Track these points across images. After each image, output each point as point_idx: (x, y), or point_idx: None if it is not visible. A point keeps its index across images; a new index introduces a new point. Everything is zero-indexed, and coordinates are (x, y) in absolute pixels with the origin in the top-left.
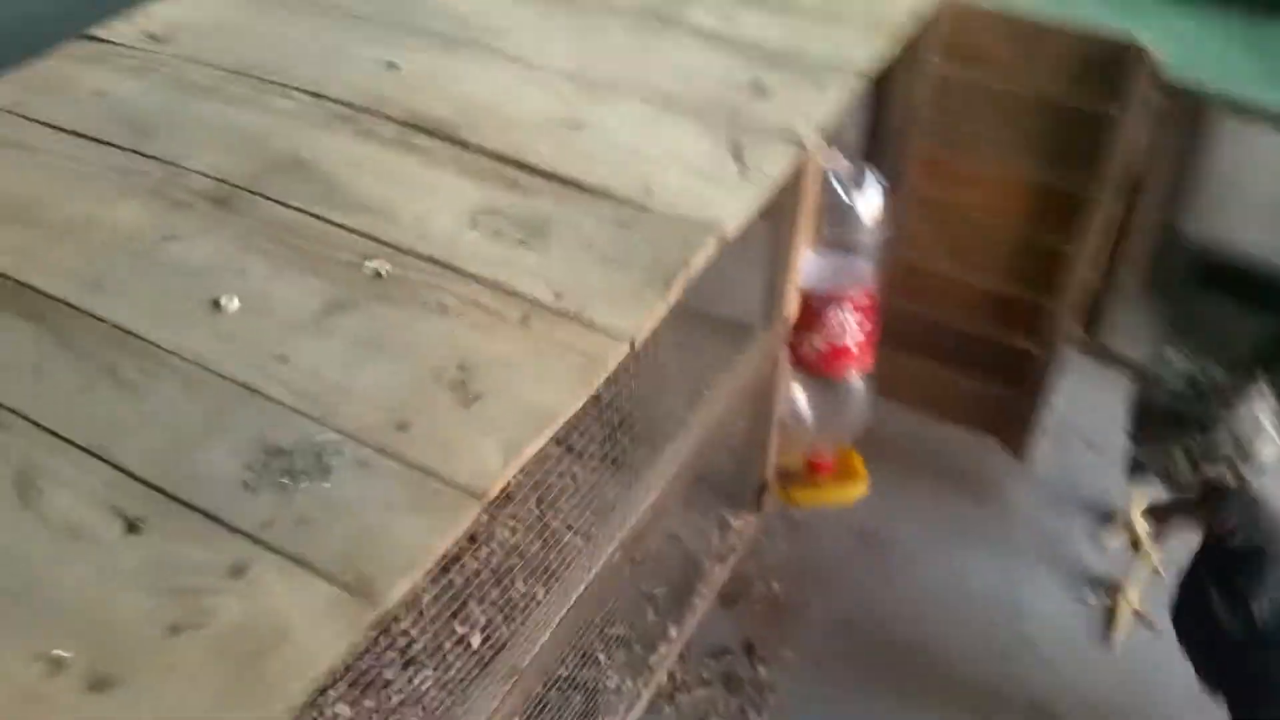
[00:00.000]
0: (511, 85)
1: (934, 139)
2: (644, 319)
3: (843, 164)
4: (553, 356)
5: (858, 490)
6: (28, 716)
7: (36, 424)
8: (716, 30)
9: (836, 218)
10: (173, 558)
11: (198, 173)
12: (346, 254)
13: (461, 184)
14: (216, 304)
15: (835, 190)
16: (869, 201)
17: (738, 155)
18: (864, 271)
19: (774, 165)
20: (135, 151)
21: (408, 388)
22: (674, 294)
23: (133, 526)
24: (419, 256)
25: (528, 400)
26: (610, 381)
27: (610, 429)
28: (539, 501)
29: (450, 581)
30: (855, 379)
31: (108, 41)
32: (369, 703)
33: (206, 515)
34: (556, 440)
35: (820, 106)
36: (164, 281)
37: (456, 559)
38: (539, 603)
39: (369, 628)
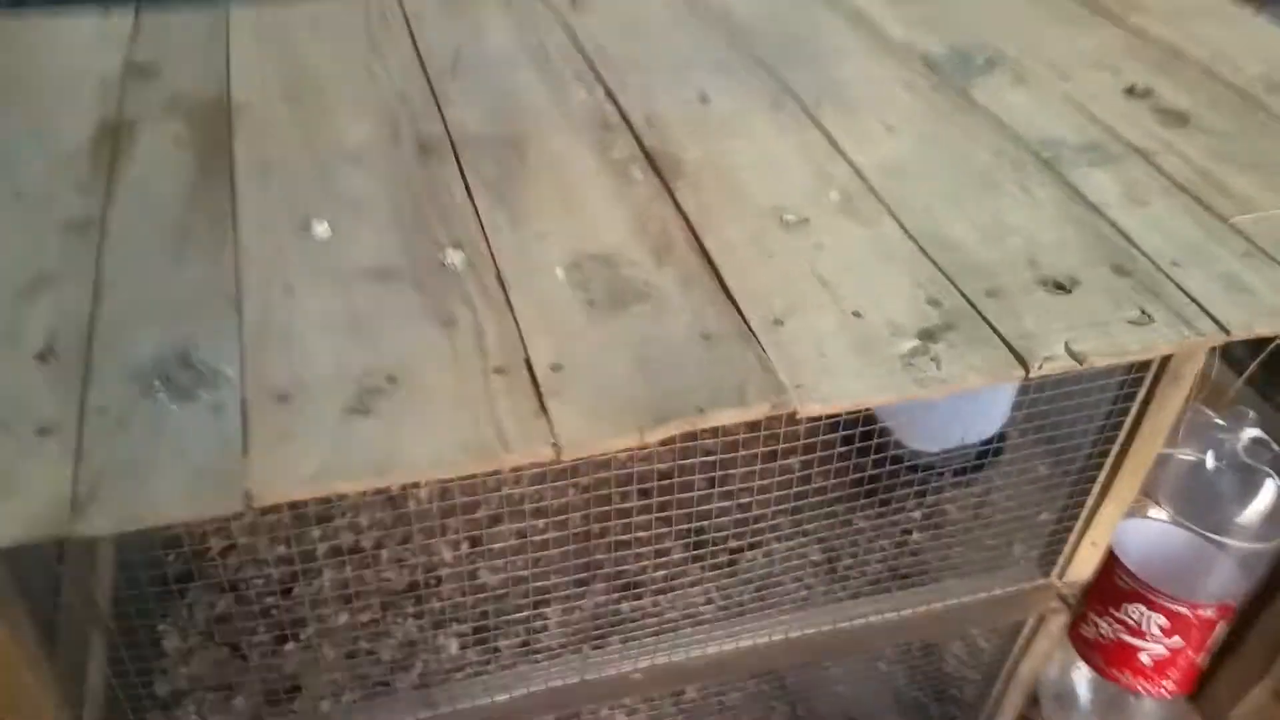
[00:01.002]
0: None
1: None
2: None
3: (1246, 425)
4: None
5: None
6: None
7: None
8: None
9: (1206, 491)
10: None
11: None
12: None
13: None
14: None
15: (1222, 454)
16: (1266, 491)
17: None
18: (1218, 578)
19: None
20: None
21: None
22: None
23: None
24: None
25: None
26: None
27: None
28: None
29: None
30: (1159, 700)
31: None
32: None
33: None
34: None
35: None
36: None
37: None
38: None
39: None
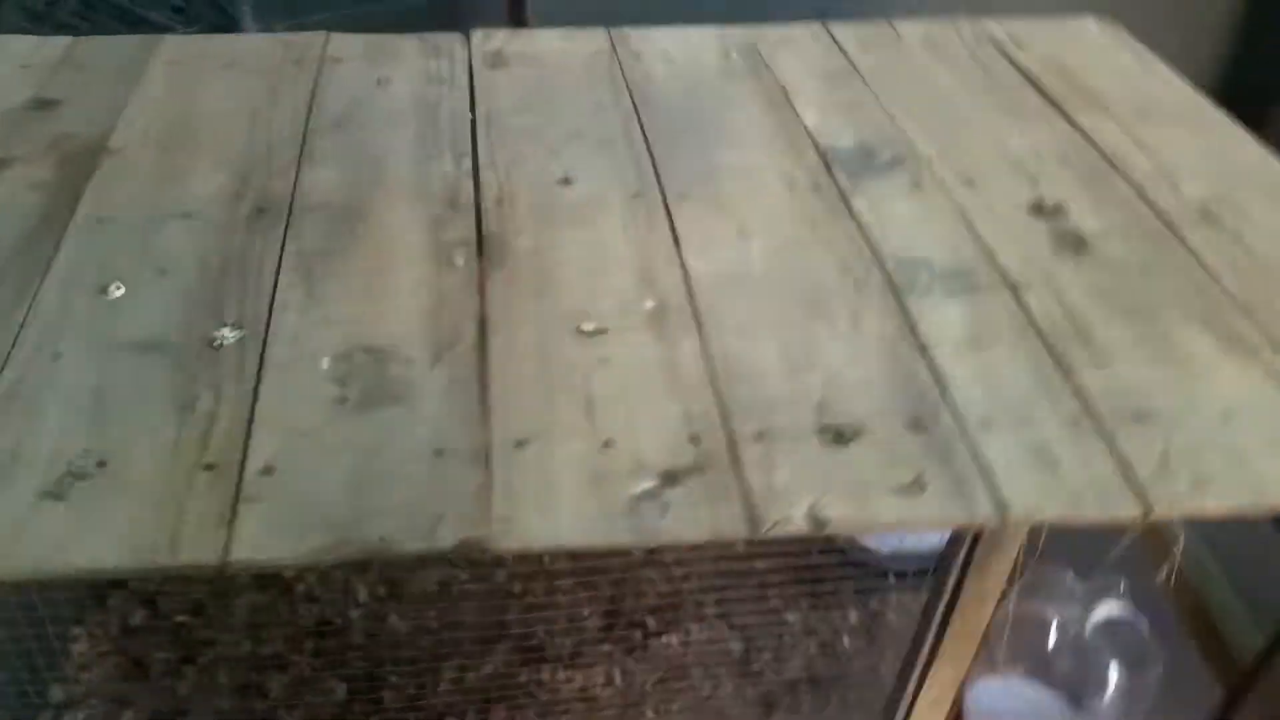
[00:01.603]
0: None
1: None
2: None
3: (1106, 598)
4: None
5: None
6: None
7: None
8: None
9: (1062, 656)
10: None
11: None
12: None
13: None
14: None
15: (1073, 625)
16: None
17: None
18: None
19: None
20: None
21: None
22: None
23: None
24: None
25: None
26: None
27: None
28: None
29: None
30: None
31: None
32: None
33: None
34: None
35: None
36: None
37: None
38: None
39: None
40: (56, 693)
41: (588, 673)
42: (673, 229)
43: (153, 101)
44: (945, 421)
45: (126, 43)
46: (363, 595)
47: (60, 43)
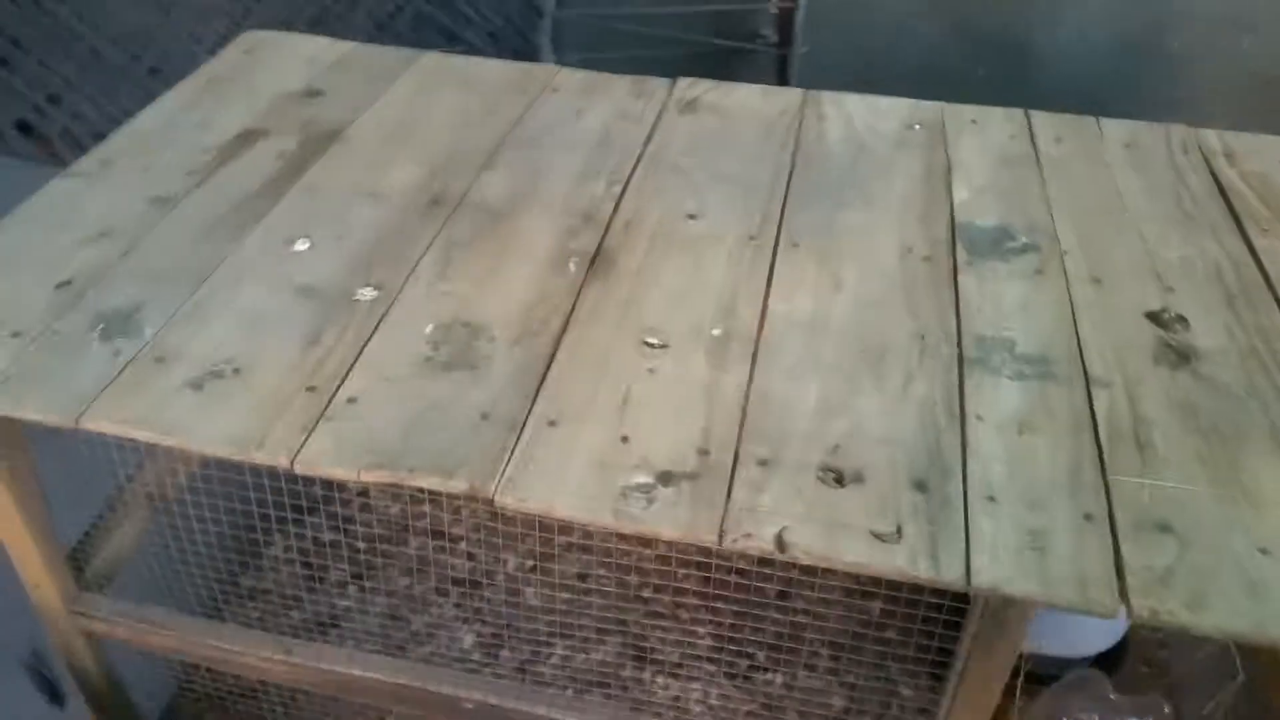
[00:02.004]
0: None
1: None
2: None
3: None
4: None
5: None
6: None
7: None
8: None
9: None
10: None
11: None
12: None
13: None
14: None
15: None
16: None
17: None
18: None
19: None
20: None
21: None
22: None
23: None
24: None
25: None
26: None
27: None
28: None
29: None
30: None
31: None
32: None
33: None
34: None
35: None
36: None
37: None
38: None
39: None
40: (245, 581)
41: (686, 685)
42: (771, 271)
43: (393, 104)
44: (951, 488)
45: (393, 53)
46: (511, 565)
47: (345, 46)
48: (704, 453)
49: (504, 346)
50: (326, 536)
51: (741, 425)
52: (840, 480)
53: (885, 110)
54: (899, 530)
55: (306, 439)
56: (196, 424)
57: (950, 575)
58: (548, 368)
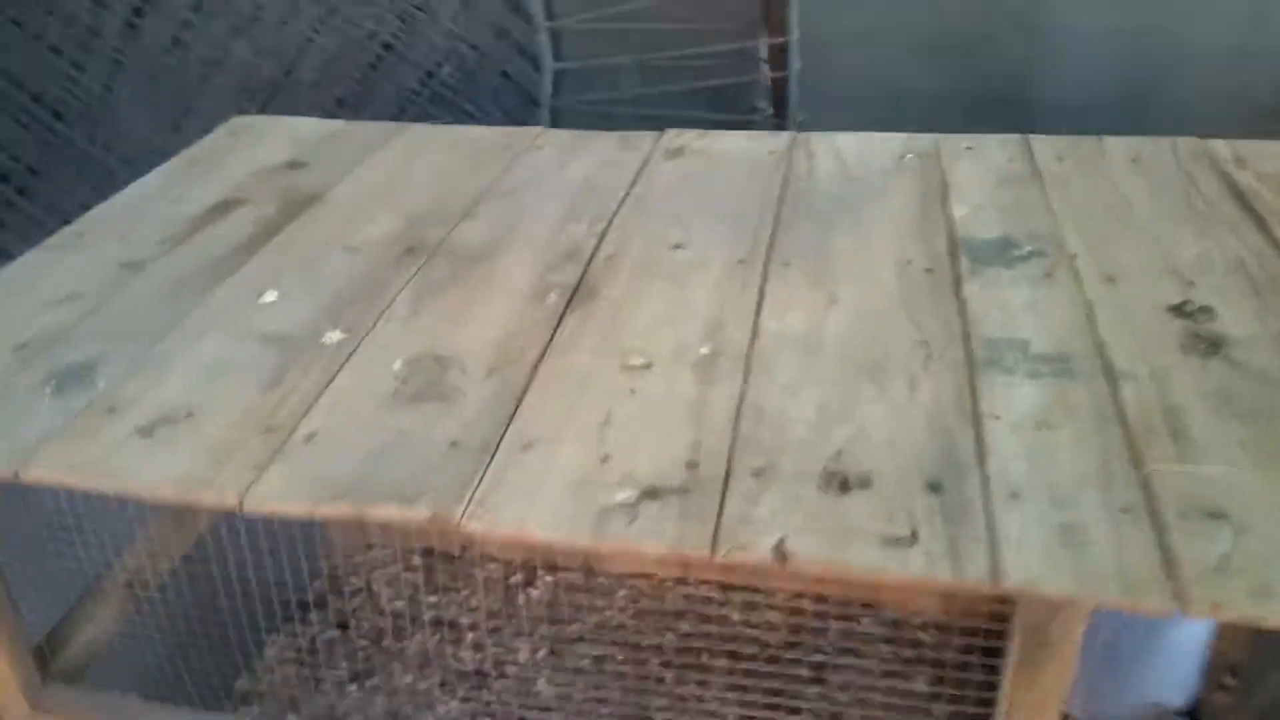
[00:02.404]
0: None
1: None
2: None
3: None
4: None
5: None
6: None
7: None
8: None
9: None
10: None
11: None
12: None
13: None
14: None
15: None
16: None
17: None
18: None
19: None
20: None
21: None
22: None
23: None
24: None
25: None
26: None
27: None
28: None
29: None
30: None
31: None
32: None
33: None
34: None
35: None
36: None
37: None
38: None
39: None
40: (243, 684)
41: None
42: (761, 291)
43: (375, 168)
44: (969, 488)
45: (383, 127)
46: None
47: (334, 124)
48: (693, 466)
49: (476, 378)
50: (327, 635)
51: (734, 437)
52: (845, 487)
53: (878, 145)
54: (914, 534)
55: (258, 478)
56: (142, 468)
57: (975, 575)
58: (523, 394)
